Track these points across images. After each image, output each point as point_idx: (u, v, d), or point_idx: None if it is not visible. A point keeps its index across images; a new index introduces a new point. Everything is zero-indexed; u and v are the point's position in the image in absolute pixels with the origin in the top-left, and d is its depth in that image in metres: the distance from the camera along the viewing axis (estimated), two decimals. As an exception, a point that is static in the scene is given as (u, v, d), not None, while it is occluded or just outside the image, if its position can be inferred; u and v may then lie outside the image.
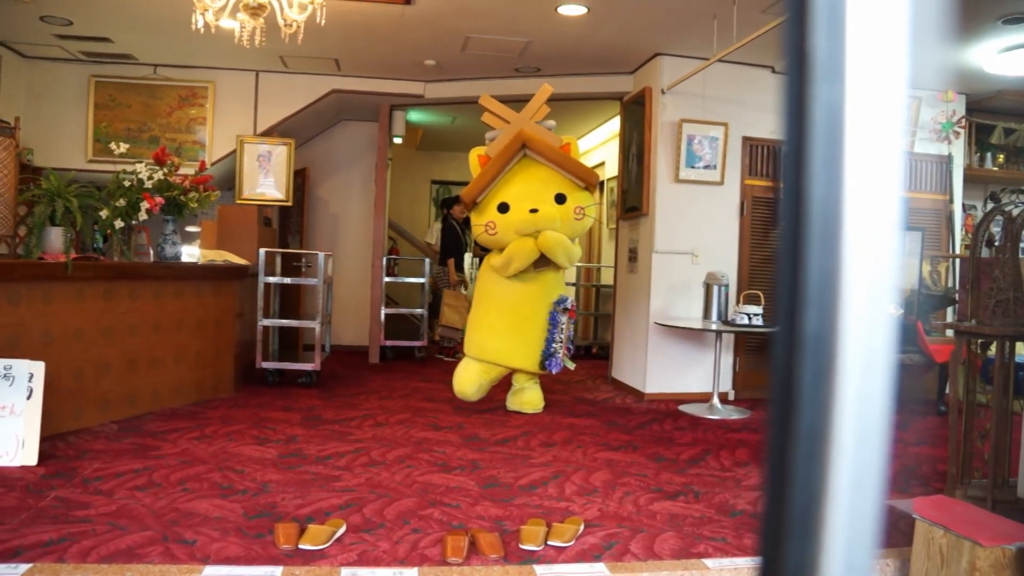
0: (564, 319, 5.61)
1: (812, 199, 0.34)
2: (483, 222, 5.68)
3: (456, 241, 8.68)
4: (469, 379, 5.75)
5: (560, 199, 5.61)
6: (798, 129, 0.34)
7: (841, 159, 0.34)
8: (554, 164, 5.60)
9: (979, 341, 3.54)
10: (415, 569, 2.76)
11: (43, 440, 4.00)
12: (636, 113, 6.93)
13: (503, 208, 5.61)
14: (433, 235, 9.53)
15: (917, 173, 7.19)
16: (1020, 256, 3.55)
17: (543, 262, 5.57)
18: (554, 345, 5.58)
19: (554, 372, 5.64)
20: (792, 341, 0.35)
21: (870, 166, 0.34)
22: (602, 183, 9.86)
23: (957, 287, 6.99)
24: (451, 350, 8.82)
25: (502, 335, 5.66)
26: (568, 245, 5.59)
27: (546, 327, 5.62)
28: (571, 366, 5.73)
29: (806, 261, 0.34)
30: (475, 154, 5.79)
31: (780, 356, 0.35)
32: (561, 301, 5.61)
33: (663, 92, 6.55)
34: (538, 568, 2.80)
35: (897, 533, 3.20)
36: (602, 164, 9.82)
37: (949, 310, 6.96)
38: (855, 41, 0.34)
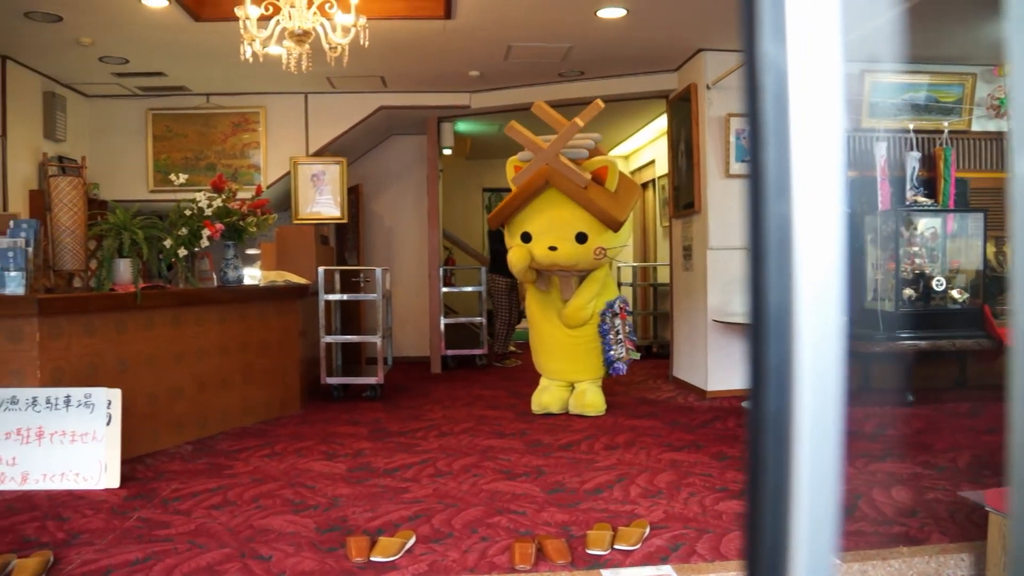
0: (616, 322, 5.64)
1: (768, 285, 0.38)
2: (511, 245, 5.87)
3: (501, 246, 8.75)
4: (544, 397, 5.94)
5: (581, 239, 5.56)
6: (756, 234, 0.38)
7: (791, 264, 0.39)
8: (577, 203, 5.56)
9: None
10: (484, 577, 2.81)
11: (124, 463, 4.15)
12: (683, 110, 6.91)
13: (525, 238, 5.71)
14: None
15: (976, 152, 7.02)
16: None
17: (543, 281, 5.79)
18: (611, 352, 5.62)
19: (622, 373, 5.74)
20: (759, 417, 0.39)
21: (815, 268, 0.39)
22: (653, 181, 9.85)
23: (1024, 267, 6.80)
24: (501, 356, 8.90)
25: (555, 355, 5.90)
26: (585, 314, 5.70)
27: (597, 336, 5.70)
28: (636, 356, 5.78)
29: (766, 352, 0.38)
30: (511, 164, 5.82)
31: (754, 427, 0.40)
32: (608, 307, 5.65)
33: (708, 87, 6.52)
34: (605, 572, 2.83)
35: (971, 526, 3.15)
36: (652, 162, 9.80)
37: (1017, 291, 6.78)
38: (799, 163, 0.39)
